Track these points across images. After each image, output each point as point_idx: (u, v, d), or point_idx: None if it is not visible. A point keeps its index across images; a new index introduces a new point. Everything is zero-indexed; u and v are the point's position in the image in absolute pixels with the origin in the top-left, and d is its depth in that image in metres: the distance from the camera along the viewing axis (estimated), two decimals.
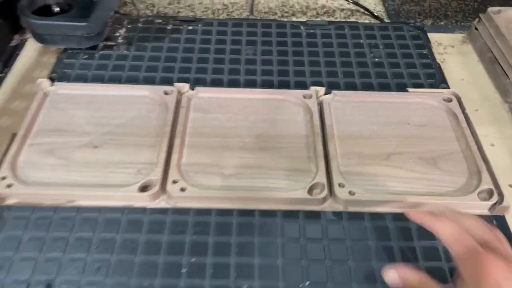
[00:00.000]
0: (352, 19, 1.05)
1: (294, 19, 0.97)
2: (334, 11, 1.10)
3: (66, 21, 0.72)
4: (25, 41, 0.83)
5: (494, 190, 0.57)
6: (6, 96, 0.72)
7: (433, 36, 0.87)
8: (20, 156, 0.59)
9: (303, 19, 1.00)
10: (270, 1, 1.11)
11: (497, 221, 0.57)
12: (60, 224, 0.54)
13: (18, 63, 0.78)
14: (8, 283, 0.49)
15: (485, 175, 0.58)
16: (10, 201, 0.56)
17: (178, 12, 1.06)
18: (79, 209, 0.56)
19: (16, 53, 0.80)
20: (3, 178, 0.56)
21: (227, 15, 1.06)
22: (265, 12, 1.03)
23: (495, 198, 0.56)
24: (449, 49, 0.86)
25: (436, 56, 0.82)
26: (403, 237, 0.55)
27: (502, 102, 0.75)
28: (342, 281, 0.50)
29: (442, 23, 1.03)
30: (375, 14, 1.00)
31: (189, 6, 1.09)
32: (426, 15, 1.10)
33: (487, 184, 0.57)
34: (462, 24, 0.97)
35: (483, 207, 0.57)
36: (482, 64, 0.82)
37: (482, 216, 0.55)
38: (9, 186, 0.55)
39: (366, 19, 1.02)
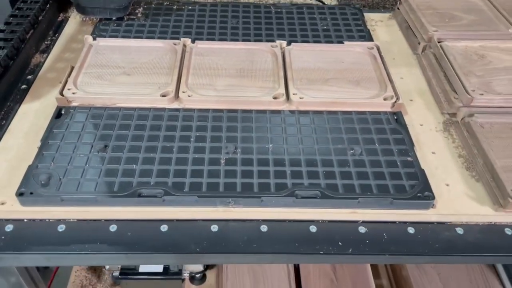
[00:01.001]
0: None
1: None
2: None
3: None
4: (68, 17, 1.12)
5: (394, 95, 0.87)
6: (59, 50, 1.01)
7: (368, 15, 1.19)
8: (78, 78, 0.88)
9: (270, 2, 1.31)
10: None
11: (396, 115, 0.86)
12: (108, 117, 0.82)
13: (65, 30, 1.08)
14: (79, 145, 0.77)
15: (389, 88, 0.89)
16: (74, 104, 0.84)
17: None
18: (120, 109, 0.84)
19: (63, 25, 1.10)
20: (69, 89, 0.84)
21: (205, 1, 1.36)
22: None
23: (394, 99, 0.86)
24: (379, 23, 1.18)
25: (369, 27, 1.13)
26: (334, 122, 0.84)
27: (412, 54, 1.06)
28: (293, 145, 0.79)
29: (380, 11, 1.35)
30: (324, 3, 1.32)
31: None
32: (370, 7, 1.42)
33: (390, 92, 0.88)
34: (392, 8, 1.30)
35: (387, 106, 0.86)
36: (401, 31, 1.14)
37: (384, 113, 0.85)
38: (73, 93, 0.84)
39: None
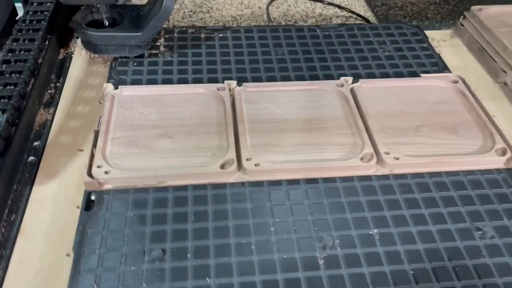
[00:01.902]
0: None
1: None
2: (330, 18, 1.24)
3: (122, 32, 0.80)
4: (71, 54, 0.90)
5: (507, 148, 0.70)
6: (68, 102, 0.80)
7: (427, 34, 1.01)
8: (107, 148, 0.67)
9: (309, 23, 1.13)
10: (273, 12, 1.23)
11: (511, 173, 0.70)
12: (156, 203, 0.62)
13: (70, 73, 0.86)
14: (128, 253, 0.56)
15: (498, 137, 0.72)
16: (108, 186, 0.63)
17: (193, 25, 1.17)
18: (169, 188, 0.64)
19: (66, 64, 0.88)
20: (99, 166, 0.64)
21: (237, 25, 1.17)
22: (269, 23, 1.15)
23: (509, 154, 0.69)
24: (442, 43, 1.00)
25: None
26: (442, 188, 0.66)
27: (493, 82, 0.90)
28: (403, 228, 0.61)
29: (426, 23, 1.19)
30: (367, 18, 1.14)
31: (201, 19, 1.20)
32: (410, 18, 1.25)
33: (501, 143, 0.71)
34: (442, 23, 1.13)
35: (500, 162, 0.70)
36: (471, 53, 0.97)
37: (498, 170, 0.69)
38: (106, 172, 0.63)
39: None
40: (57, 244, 0.59)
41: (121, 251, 0.57)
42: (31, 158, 0.70)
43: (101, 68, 0.87)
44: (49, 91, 0.82)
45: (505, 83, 0.87)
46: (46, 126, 0.75)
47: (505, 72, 0.87)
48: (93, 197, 0.63)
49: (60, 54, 0.90)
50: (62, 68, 0.87)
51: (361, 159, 0.68)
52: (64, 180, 0.67)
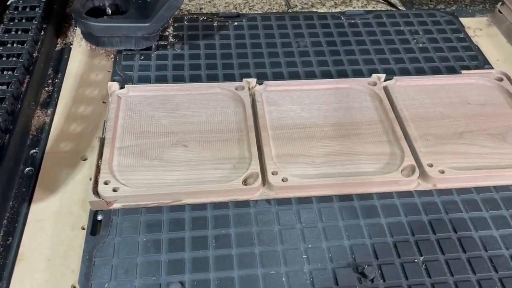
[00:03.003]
0: (369, 7, 1.10)
1: (314, 9, 1.01)
2: (350, 1, 1.14)
3: (128, 22, 0.71)
4: (70, 44, 0.81)
5: None
6: (68, 101, 0.71)
7: (462, 22, 0.92)
8: (114, 160, 0.59)
9: (323, 10, 1.04)
10: None
11: None
12: (171, 225, 0.55)
13: (70, 67, 0.77)
14: (139, 286, 0.49)
15: None
16: (117, 205, 0.56)
17: (201, 8, 1.07)
18: (185, 206, 0.56)
19: (65, 57, 0.79)
20: (106, 183, 0.56)
21: (249, 9, 1.07)
22: (284, 5, 1.05)
23: None
24: (478, 32, 0.91)
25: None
26: (494, 207, 0.59)
27: None
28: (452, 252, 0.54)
29: (453, 7, 1.10)
30: (391, 1, 1.05)
31: (209, 1, 1.10)
32: (438, 1, 1.16)
33: None
34: (472, 7, 1.03)
35: None
36: (511, 45, 0.88)
37: None
38: (114, 190, 0.55)
39: (382, 7, 1.06)
40: (60, 274, 0.52)
41: (134, 285, 0.49)
42: (28, 169, 0.62)
43: (104, 62, 0.78)
44: (46, 88, 0.73)
45: None
46: (44, 130, 0.67)
47: None
48: (99, 217, 0.55)
49: (58, 45, 0.81)
50: (60, 62, 0.78)
51: (401, 171, 0.60)
52: (66, 196, 0.59)
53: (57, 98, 0.72)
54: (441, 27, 0.87)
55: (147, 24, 0.71)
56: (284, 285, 0.50)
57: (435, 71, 0.77)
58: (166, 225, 0.55)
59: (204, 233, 0.54)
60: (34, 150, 0.64)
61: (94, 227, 0.54)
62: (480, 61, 0.80)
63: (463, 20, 0.93)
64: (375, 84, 0.72)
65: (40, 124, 0.68)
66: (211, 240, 0.54)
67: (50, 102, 0.71)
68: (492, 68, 0.78)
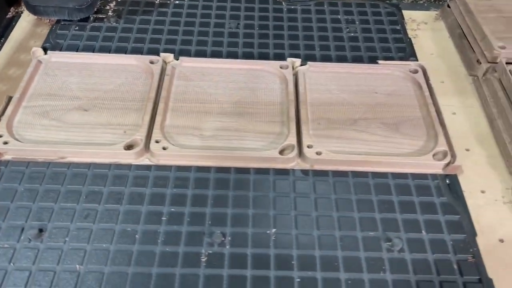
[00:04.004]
0: None
1: None
2: None
3: None
4: (21, 13, 0.87)
5: (448, 151, 0.63)
6: (2, 64, 0.77)
7: (408, 13, 0.92)
8: (16, 117, 0.65)
9: None
10: None
11: (450, 180, 0.62)
12: (51, 179, 0.60)
13: (14, 33, 0.83)
14: (4, 227, 0.55)
15: (441, 138, 0.64)
16: (7, 157, 0.61)
17: None
18: (70, 165, 0.61)
19: (12, 24, 0.85)
20: (0, 136, 0.61)
21: None
22: None
23: (448, 159, 0.62)
24: (422, 25, 0.90)
25: (410, 32, 0.87)
26: (362, 193, 0.60)
27: (466, 75, 0.80)
28: (305, 230, 0.56)
29: (411, 1, 1.08)
30: None
31: None
32: None
33: (442, 146, 0.63)
34: (438, 2, 1.01)
35: (438, 167, 0.62)
36: (452, 40, 0.87)
37: (433, 176, 0.62)
38: (5, 143, 0.61)
39: None
40: None
41: (0, 226, 0.55)
42: None
43: (45, 31, 0.83)
44: None
45: (479, 77, 0.78)
46: None
47: (479, 63, 0.78)
48: None
49: (10, 13, 0.87)
50: (7, 28, 0.84)
51: (281, 151, 0.62)
52: None
53: None
54: (379, 18, 0.87)
55: None
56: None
57: (357, 60, 0.78)
58: (46, 179, 0.59)
59: (78, 188, 0.59)
60: None
61: None
62: (406, 54, 0.80)
63: (413, 13, 0.92)
64: (287, 67, 0.74)
65: None
66: (83, 196, 0.58)
67: None
68: (416, 60, 0.78)
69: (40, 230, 0.54)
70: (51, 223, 0.55)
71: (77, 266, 0.52)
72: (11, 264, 0.52)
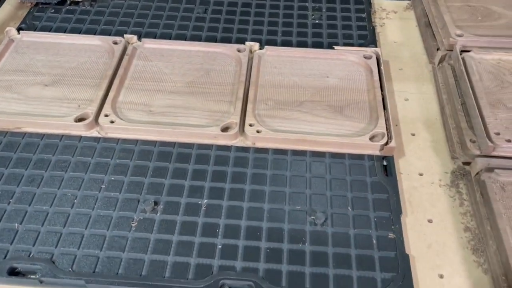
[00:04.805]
0: None
1: None
2: None
3: None
4: None
5: (386, 133, 0.64)
6: None
7: (380, 3, 0.93)
8: None
9: None
10: None
11: (387, 161, 0.64)
12: (4, 147, 0.64)
13: None
14: None
15: (381, 121, 0.65)
16: None
17: None
18: (24, 134, 0.65)
19: None
20: None
21: None
22: None
23: (384, 140, 0.63)
24: (392, 14, 0.91)
25: (378, 20, 0.88)
26: (298, 170, 0.62)
27: (427, 63, 0.81)
28: (236, 202, 0.59)
29: None
30: None
31: None
32: None
33: (381, 128, 0.64)
34: None
35: (374, 148, 0.64)
36: (418, 29, 0.87)
37: (372, 157, 0.63)
38: None
39: None
40: None
41: None
42: None
43: (26, 13, 0.88)
44: None
45: (436, 64, 0.78)
46: None
47: (438, 50, 0.78)
48: None
49: None
50: None
51: (223, 129, 0.65)
52: None
53: None
54: (347, 6, 0.88)
55: None
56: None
57: (317, 46, 0.80)
58: (1, 146, 0.64)
59: (28, 156, 0.63)
60: None
61: None
62: (367, 41, 0.81)
63: (385, 2, 0.93)
64: (244, 50, 0.76)
65: None
66: (31, 164, 0.62)
67: None
68: (376, 47, 0.79)
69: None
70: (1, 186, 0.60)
71: (16, 225, 0.56)
72: None
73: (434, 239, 0.57)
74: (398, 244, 0.55)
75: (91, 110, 0.66)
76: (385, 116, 0.66)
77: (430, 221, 0.59)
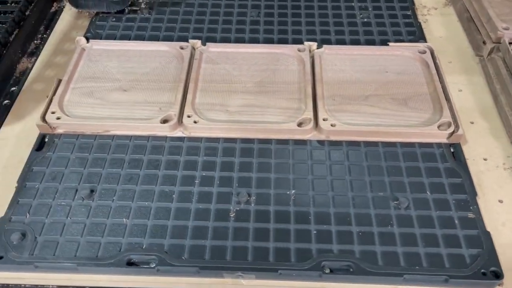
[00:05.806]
0: None
1: None
2: None
3: None
4: (63, 7, 0.97)
5: (452, 122, 0.69)
6: (49, 52, 0.87)
7: (419, 0, 0.97)
8: (66, 97, 0.74)
9: None
10: None
11: (454, 148, 0.68)
12: (98, 149, 0.68)
13: (58, 26, 0.92)
14: (61, 189, 0.63)
15: (446, 111, 0.70)
16: (59, 130, 0.70)
17: None
18: (113, 137, 0.70)
19: (56, 17, 0.94)
20: (53, 112, 0.70)
21: None
22: None
23: (451, 129, 0.68)
24: (432, 11, 0.96)
25: (420, 17, 0.93)
26: (373, 160, 0.67)
27: (473, 55, 0.86)
28: (321, 191, 0.63)
29: None
30: None
31: None
32: None
33: (447, 118, 0.69)
34: None
35: (442, 136, 0.68)
36: (460, 23, 0.92)
37: (438, 144, 0.68)
38: (58, 118, 0.70)
39: None
40: (10, 177, 0.66)
41: (57, 187, 0.64)
42: (6, 101, 0.78)
43: (86, 23, 0.92)
44: (35, 41, 0.89)
45: (484, 57, 0.83)
46: (26, 73, 0.83)
47: (484, 43, 0.83)
48: (46, 139, 0.70)
49: (53, 7, 0.97)
50: (51, 21, 0.94)
51: (299, 124, 0.70)
52: (29, 122, 0.74)
53: (41, 49, 0.87)
54: (391, 4, 0.93)
55: None
56: None
57: (370, 43, 0.85)
58: (94, 148, 0.68)
59: (121, 157, 0.67)
60: (14, 88, 0.80)
61: (41, 146, 0.69)
62: (416, 37, 0.86)
63: (423, 0, 0.98)
64: (304, 50, 0.81)
65: (23, 69, 0.84)
66: (126, 163, 0.66)
67: (36, 53, 0.87)
68: (426, 42, 0.84)
69: (91, 191, 0.63)
70: (100, 185, 0.64)
71: (124, 219, 0.60)
72: (68, 218, 0.60)
73: (506, 218, 0.62)
74: (478, 222, 0.60)
75: (174, 112, 0.71)
76: (448, 106, 0.71)
77: (500, 201, 0.64)
